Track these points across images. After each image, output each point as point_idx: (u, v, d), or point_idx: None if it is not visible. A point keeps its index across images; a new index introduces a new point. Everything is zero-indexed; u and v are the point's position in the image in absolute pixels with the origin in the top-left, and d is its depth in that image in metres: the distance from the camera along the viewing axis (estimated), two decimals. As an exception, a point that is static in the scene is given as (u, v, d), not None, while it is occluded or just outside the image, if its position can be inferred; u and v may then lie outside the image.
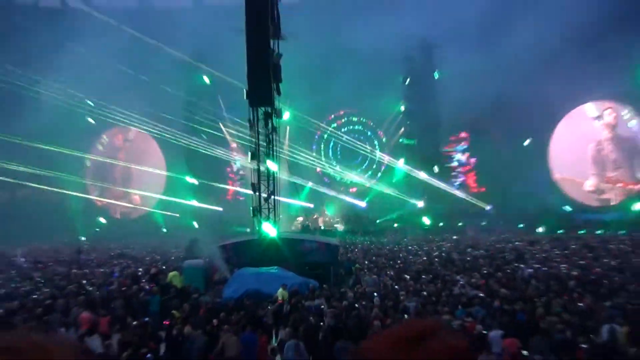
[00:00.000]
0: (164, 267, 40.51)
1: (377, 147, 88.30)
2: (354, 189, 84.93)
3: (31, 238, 72.89)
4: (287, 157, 72.09)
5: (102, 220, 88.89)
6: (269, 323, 22.84)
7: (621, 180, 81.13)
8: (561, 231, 68.74)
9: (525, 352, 16.65)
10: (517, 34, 67.38)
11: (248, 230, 48.74)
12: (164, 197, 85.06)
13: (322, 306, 23.96)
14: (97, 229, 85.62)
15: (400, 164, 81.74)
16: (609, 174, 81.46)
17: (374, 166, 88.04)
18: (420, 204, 78.86)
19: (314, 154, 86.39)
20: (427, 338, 1.44)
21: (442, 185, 79.24)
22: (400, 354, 1.41)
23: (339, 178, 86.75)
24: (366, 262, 41.88)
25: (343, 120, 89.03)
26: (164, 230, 70.28)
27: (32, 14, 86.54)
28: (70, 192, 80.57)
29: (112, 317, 24.13)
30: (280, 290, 26.74)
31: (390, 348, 1.43)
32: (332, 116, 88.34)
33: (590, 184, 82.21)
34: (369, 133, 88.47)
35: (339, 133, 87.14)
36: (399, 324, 1.61)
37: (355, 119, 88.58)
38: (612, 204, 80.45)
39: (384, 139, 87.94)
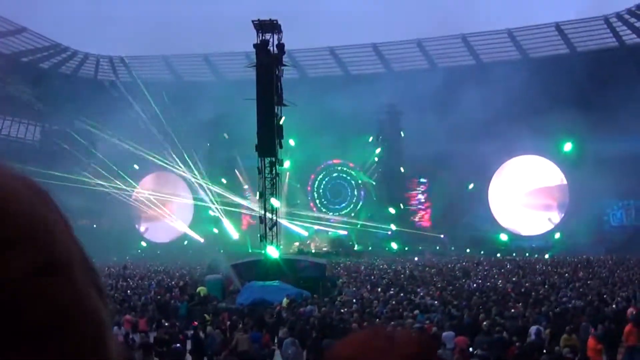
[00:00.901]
0: (190, 281, 40.22)
1: (360, 188, 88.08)
2: (335, 220, 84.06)
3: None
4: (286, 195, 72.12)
5: (144, 244, 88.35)
6: (271, 324, 22.75)
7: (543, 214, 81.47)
8: (498, 254, 68.66)
9: (471, 349, 16.63)
10: (465, 103, 67.89)
11: (256, 251, 48.47)
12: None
13: (313, 311, 23.85)
14: (140, 250, 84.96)
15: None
16: (532, 210, 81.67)
17: (355, 202, 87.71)
18: (390, 232, 78.66)
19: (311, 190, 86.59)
20: (388, 336, 1.31)
21: (406, 228, 78.98)
22: (365, 351, 1.29)
23: (327, 213, 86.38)
24: (347, 278, 41.64)
25: (336, 166, 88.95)
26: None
27: (92, 84, 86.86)
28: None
29: (149, 319, 24.04)
30: (285, 299, 26.77)
31: (356, 347, 1.31)
32: (331, 162, 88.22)
33: (519, 214, 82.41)
34: (354, 173, 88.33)
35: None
36: (368, 328, 1.51)
37: (344, 166, 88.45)
38: (535, 234, 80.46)
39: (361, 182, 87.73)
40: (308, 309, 24.58)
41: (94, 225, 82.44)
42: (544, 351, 16.13)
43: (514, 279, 37.77)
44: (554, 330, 18.36)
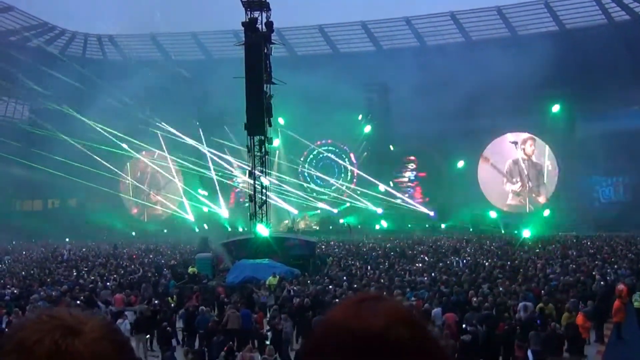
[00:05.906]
0: (181, 261, 40.32)
1: (350, 163, 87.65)
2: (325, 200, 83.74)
3: (78, 236, 72.39)
4: (277, 175, 72.14)
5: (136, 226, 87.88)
6: (262, 302, 22.86)
7: (532, 192, 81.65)
8: (487, 232, 68.89)
9: (464, 325, 16.82)
10: (454, 81, 67.79)
11: (246, 230, 48.55)
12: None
13: (303, 289, 23.95)
14: (133, 233, 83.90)
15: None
16: (522, 186, 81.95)
17: (347, 179, 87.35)
18: (380, 210, 78.51)
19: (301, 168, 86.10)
20: (376, 300, 1.38)
21: (396, 195, 79.07)
22: (354, 313, 1.35)
23: (317, 191, 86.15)
24: (337, 256, 41.77)
25: (324, 147, 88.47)
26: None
27: (80, 62, 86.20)
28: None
29: (140, 297, 24.12)
30: (270, 277, 26.82)
31: (346, 311, 1.37)
32: (319, 142, 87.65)
33: (507, 191, 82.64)
34: (343, 155, 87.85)
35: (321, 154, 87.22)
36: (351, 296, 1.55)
37: (333, 145, 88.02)
38: (524, 211, 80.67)
39: (354, 160, 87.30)
40: (298, 286, 24.73)
41: (84, 204, 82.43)
42: (538, 327, 16.37)
43: (503, 256, 37.89)
44: (545, 306, 18.57)
